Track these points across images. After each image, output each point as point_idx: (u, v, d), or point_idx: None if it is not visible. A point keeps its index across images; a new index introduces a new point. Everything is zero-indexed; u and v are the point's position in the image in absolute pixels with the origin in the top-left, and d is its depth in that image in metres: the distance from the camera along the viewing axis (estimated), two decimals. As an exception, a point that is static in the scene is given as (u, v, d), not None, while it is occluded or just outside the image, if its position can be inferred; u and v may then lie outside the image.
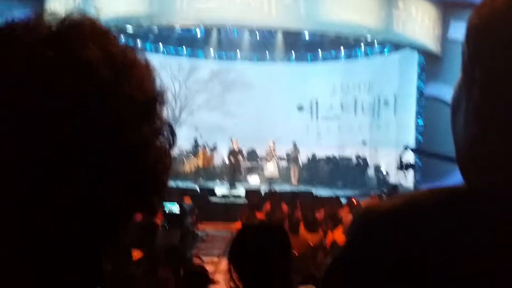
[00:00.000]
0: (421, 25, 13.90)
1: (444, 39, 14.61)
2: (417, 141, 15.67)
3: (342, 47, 17.99)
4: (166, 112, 0.61)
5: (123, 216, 0.59)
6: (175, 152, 0.63)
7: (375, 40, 14.93)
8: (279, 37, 17.24)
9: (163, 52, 18.08)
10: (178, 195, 10.11)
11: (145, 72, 0.59)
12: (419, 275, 0.60)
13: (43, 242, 0.53)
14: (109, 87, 0.54)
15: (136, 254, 5.80)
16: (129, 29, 12.81)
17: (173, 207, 8.72)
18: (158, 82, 0.60)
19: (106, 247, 0.58)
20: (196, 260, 6.86)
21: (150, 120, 0.58)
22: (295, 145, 16.69)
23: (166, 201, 8.18)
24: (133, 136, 0.56)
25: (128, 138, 0.55)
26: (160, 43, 17.85)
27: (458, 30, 13.59)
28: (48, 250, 0.54)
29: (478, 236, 0.60)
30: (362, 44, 16.75)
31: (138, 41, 15.33)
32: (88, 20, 0.57)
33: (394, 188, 11.95)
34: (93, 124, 0.53)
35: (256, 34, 17.38)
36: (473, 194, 0.63)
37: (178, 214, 8.68)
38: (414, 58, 15.95)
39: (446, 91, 13.28)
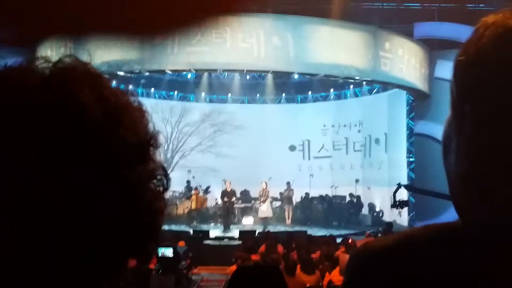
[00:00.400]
0: (408, 65, 14.17)
1: (431, 78, 14.90)
2: (409, 178, 15.71)
3: (331, 88, 18.29)
4: (159, 155, 0.61)
5: (118, 260, 0.58)
6: (168, 195, 0.63)
7: (363, 80, 15.18)
8: (269, 78, 17.49)
9: (155, 96, 18.25)
10: (171, 238, 9.93)
11: (138, 115, 0.60)
12: None
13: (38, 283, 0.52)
14: (102, 129, 0.54)
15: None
16: (121, 74, 12.93)
17: (167, 251, 8.54)
18: (151, 125, 0.61)
19: None
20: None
21: (144, 163, 0.58)
22: (288, 185, 16.64)
23: (160, 245, 8.03)
24: (127, 177, 0.56)
25: (122, 179, 0.55)
26: (152, 87, 18.05)
27: (445, 70, 13.88)
28: None
29: (476, 265, 0.60)
30: (351, 84, 17.01)
31: (130, 85, 15.48)
32: (80, 63, 0.58)
33: (389, 226, 11.86)
34: (88, 164, 0.53)
35: (246, 77, 17.61)
36: (469, 227, 0.63)
37: (171, 258, 8.49)
38: (402, 97, 16.21)
39: (434, 129, 13.45)
